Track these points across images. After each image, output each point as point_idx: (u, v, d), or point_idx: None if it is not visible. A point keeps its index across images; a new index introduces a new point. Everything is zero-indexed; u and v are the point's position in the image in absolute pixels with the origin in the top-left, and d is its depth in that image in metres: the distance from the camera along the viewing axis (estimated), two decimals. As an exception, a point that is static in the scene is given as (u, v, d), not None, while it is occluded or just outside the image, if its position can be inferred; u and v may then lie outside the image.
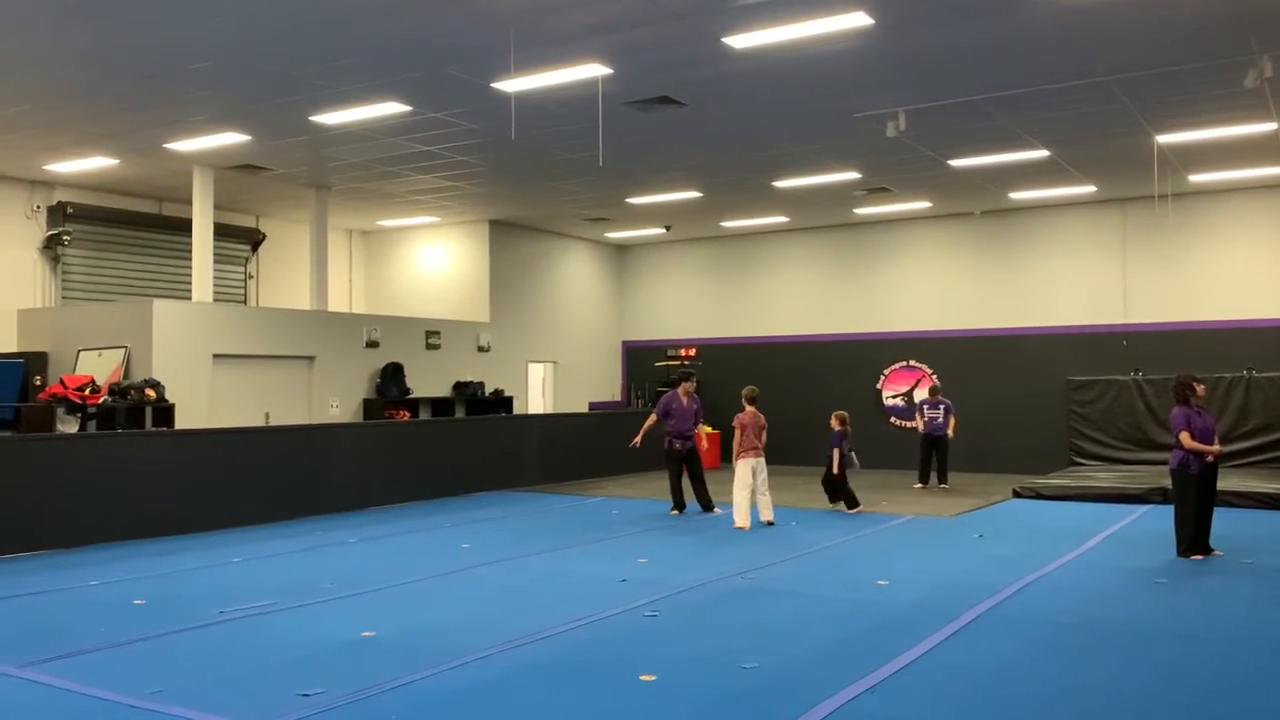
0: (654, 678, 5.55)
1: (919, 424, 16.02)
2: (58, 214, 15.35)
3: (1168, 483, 9.95)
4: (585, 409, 21.10)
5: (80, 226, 15.65)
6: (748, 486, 11.49)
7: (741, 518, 11.39)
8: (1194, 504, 9.26)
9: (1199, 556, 9.24)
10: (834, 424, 12.90)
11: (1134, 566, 8.90)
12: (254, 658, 6.08)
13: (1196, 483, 9.24)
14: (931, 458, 15.70)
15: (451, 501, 14.33)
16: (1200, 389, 9.44)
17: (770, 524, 11.45)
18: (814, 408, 19.37)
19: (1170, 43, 9.50)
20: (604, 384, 22.24)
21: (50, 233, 15.31)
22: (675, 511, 12.51)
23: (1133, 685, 5.45)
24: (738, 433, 11.73)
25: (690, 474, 12.61)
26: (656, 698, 5.23)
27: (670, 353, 21.72)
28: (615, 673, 5.67)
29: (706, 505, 12.51)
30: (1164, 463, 9.77)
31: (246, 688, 5.45)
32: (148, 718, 4.97)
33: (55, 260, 15.48)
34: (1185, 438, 9.17)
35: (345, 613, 7.26)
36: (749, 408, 11.89)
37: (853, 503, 12.71)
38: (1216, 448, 9.32)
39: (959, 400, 16.99)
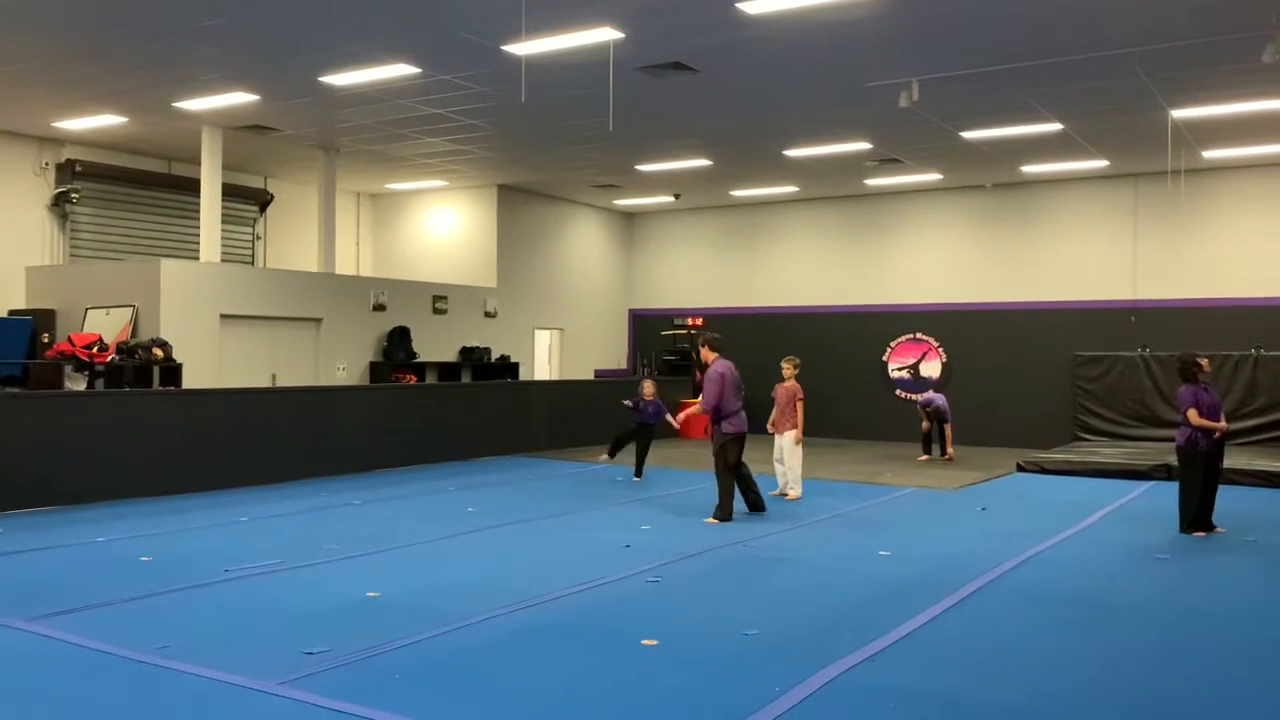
0: (656, 642, 5.59)
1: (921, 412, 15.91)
2: (66, 171, 15.32)
3: (1172, 459, 9.96)
4: (591, 376, 21.13)
5: (89, 184, 15.63)
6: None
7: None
8: (1198, 481, 9.27)
9: (1201, 533, 9.26)
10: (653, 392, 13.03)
11: (1136, 542, 8.92)
12: (259, 616, 6.14)
13: (1203, 460, 9.24)
14: (934, 430, 15.70)
15: (457, 465, 14.40)
16: (1205, 365, 9.44)
17: (785, 496, 11.40)
18: (820, 379, 19.40)
19: (1188, 16, 9.39)
20: (610, 352, 22.25)
21: (59, 190, 15.30)
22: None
23: (1131, 658, 5.48)
24: (802, 405, 11.40)
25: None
26: (658, 662, 5.28)
27: (677, 322, 21.69)
28: (618, 637, 5.72)
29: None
30: (1169, 439, 9.76)
31: (252, 645, 5.51)
32: (153, 673, 5.02)
33: (64, 218, 15.48)
34: (1193, 415, 9.16)
35: (350, 573, 7.32)
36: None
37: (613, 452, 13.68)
38: (1223, 424, 9.33)
39: (965, 372, 16.98)
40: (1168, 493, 10.35)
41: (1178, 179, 16.27)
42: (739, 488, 10.03)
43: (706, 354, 10.22)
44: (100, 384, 12.46)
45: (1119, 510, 10.79)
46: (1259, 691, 5.00)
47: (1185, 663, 5.45)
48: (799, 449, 11.38)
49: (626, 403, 13.21)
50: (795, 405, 11.35)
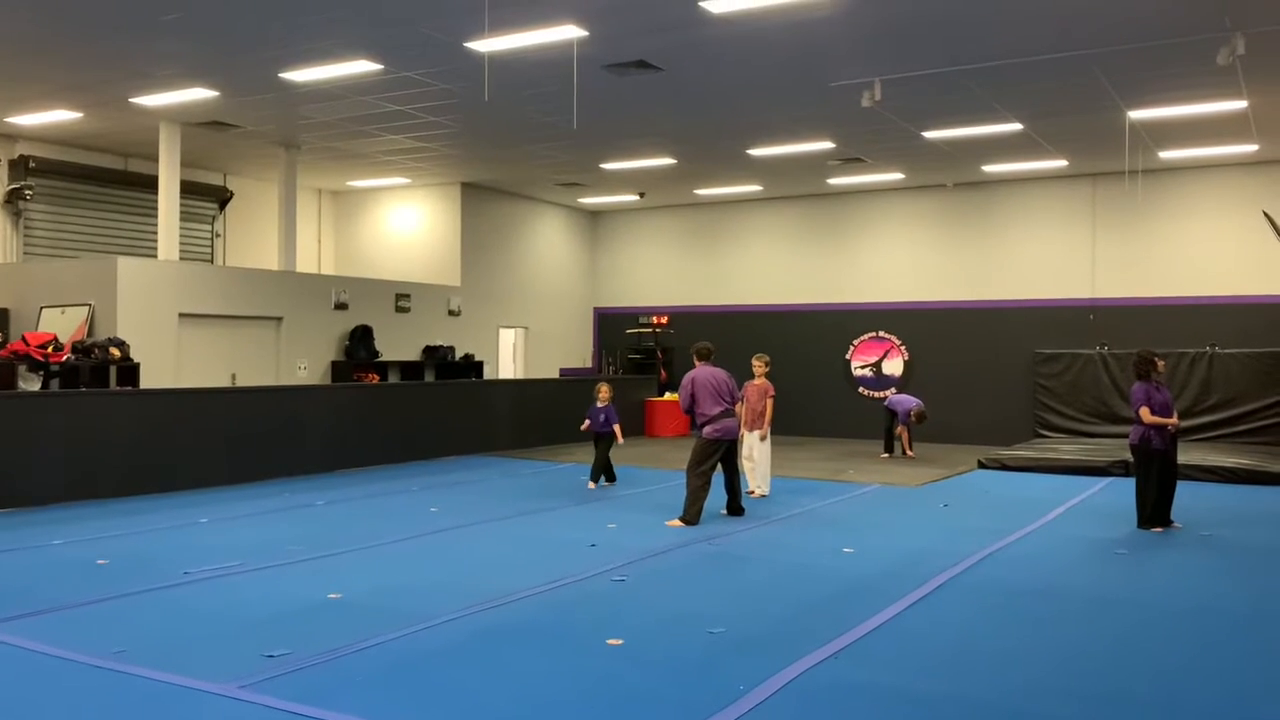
0: (621, 641, 5.58)
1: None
2: (20, 168, 15.03)
3: (1129, 455, 10.09)
4: (556, 375, 21.08)
5: (43, 181, 15.35)
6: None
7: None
8: (1155, 477, 9.40)
9: (1159, 529, 9.39)
10: (607, 395, 12.40)
11: (1095, 537, 9.03)
12: (219, 619, 6.05)
13: (1159, 457, 9.38)
14: (894, 428, 15.82)
15: (420, 465, 14.30)
16: (1161, 365, 9.58)
17: (752, 494, 11.40)
18: (784, 377, 19.45)
19: (1145, 18, 9.53)
20: (575, 350, 22.21)
21: (12, 187, 15.01)
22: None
23: (1090, 651, 5.54)
24: (772, 402, 11.37)
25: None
26: (624, 661, 5.27)
27: (642, 320, 21.71)
28: (583, 636, 5.70)
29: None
30: (1127, 436, 9.89)
31: (211, 648, 5.43)
32: (110, 678, 4.94)
33: (17, 215, 15.20)
34: (1145, 413, 9.29)
35: (312, 574, 7.24)
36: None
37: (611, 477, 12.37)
38: (1175, 420, 9.47)
39: (926, 369, 17.02)
40: (1126, 488, 10.50)
41: (1135, 179, 16.51)
42: (726, 490, 9.98)
43: (696, 361, 10.08)
44: (55, 384, 12.25)
45: (1079, 506, 10.93)
46: (1215, 684, 5.07)
47: (1143, 656, 5.52)
48: (767, 446, 11.42)
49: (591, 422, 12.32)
50: (765, 402, 11.38)
